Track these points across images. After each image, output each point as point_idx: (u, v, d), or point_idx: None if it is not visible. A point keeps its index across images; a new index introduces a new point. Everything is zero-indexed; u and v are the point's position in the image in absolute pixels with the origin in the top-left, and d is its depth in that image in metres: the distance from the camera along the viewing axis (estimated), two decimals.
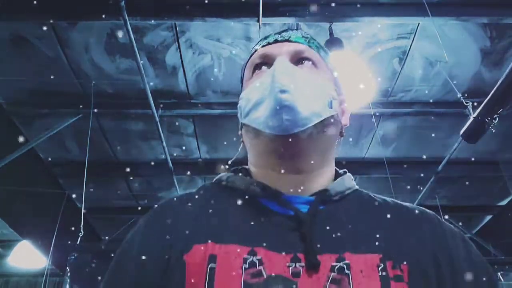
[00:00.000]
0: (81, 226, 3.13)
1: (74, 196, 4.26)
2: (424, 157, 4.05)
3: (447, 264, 0.68)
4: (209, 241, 0.65)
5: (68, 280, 3.26)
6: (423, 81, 3.30)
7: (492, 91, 2.23)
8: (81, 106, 3.36)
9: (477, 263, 0.71)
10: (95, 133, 3.66)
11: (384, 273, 0.63)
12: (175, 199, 0.78)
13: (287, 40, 0.81)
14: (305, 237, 0.65)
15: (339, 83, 0.86)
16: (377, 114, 3.53)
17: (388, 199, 0.79)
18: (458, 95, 2.65)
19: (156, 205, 0.78)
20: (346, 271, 0.63)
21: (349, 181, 0.79)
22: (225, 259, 0.63)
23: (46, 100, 3.38)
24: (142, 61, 2.92)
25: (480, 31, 2.90)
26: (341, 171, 0.83)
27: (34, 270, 5.46)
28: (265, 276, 0.62)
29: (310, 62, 0.80)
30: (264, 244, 0.65)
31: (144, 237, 0.71)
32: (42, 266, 4.73)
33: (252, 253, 0.64)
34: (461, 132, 2.46)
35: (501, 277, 4.19)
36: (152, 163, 4.11)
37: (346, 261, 0.63)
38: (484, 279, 0.69)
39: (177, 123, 3.72)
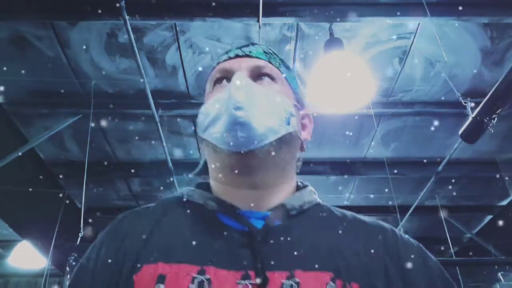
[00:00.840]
0: (81, 226, 3.14)
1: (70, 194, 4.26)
2: (424, 157, 4.05)
3: (399, 278, 0.68)
4: (159, 261, 0.65)
5: (68, 281, 3.26)
6: (423, 81, 3.30)
7: (491, 91, 2.23)
8: (81, 106, 3.36)
9: (432, 274, 0.70)
10: (95, 133, 3.66)
11: None
12: (133, 213, 0.79)
13: (248, 55, 0.82)
14: (256, 254, 0.65)
15: (302, 98, 0.86)
16: (377, 114, 3.53)
17: (348, 213, 0.79)
18: (457, 95, 2.65)
19: (114, 220, 0.78)
20: None
21: (308, 195, 0.79)
22: (173, 279, 0.63)
23: (46, 100, 3.38)
24: (141, 61, 2.92)
25: (480, 31, 2.90)
26: (302, 184, 0.83)
27: (34, 271, 5.45)
28: None
29: (269, 78, 0.80)
30: (215, 262, 0.65)
31: (98, 255, 0.72)
32: (42, 266, 4.72)
33: (201, 272, 0.64)
34: (460, 132, 2.46)
35: (501, 278, 4.19)
36: (152, 163, 4.11)
37: (296, 279, 0.63)
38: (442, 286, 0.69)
39: (177, 123, 3.72)
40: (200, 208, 0.75)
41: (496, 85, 2.22)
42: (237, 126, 0.70)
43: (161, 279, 0.63)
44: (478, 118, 2.28)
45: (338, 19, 2.72)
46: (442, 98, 3.45)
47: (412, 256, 0.71)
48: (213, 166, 0.79)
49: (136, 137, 3.85)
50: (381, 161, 3.76)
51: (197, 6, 2.66)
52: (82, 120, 3.41)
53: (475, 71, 3.19)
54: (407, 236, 0.77)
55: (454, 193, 4.63)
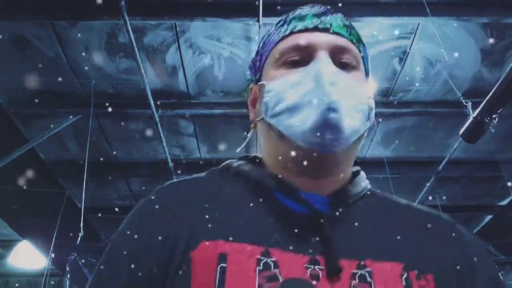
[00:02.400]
0: (81, 226, 3.13)
1: (72, 193, 4.26)
2: (424, 157, 4.05)
3: (469, 276, 0.65)
4: (219, 238, 0.59)
5: (68, 280, 3.26)
6: (423, 81, 3.29)
7: (492, 91, 2.23)
8: (81, 106, 3.36)
9: (493, 276, 0.68)
10: (95, 133, 3.65)
11: (407, 284, 0.59)
12: (180, 183, 0.71)
13: (327, 30, 0.71)
14: (326, 239, 0.61)
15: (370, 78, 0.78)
16: (377, 114, 3.52)
17: (403, 201, 0.76)
18: (458, 95, 2.65)
19: (156, 188, 0.70)
20: (369, 279, 0.59)
21: (364, 181, 0.75)
22: (236, 259, 0.58)
23: (46, 100, 3.38)
24: (141, 61, 2.91)
25: (480, 31, 2.90)
26: (354, 168, 0.77)
27: (34, 270, 5.46)
28: (280, 280, 0.57)
29: (352, 66, 0.72)
30: (279, 244, 0.60)
31: (142, 227, 0.64)
32: (42, 266, 4.73)
33: (266, 254, 0.59)
34: (461, 132, 2.46)
35: (501, 277, 4.19)
36: (152, 163, 4.11)
37: (368, 269, 0.59)
38: None
39: (177, 123, 3.71)
40: (254, 184, 0.69)
41: (497, 84, 2.22)
42: (327, 129, 0.63)
43: (222, 258, 0.58)
44: (479, 118, 2.28)
45: None
46: (442, 98, 3.45)
47: (478, 255, 0.68)
48: (276, 151, 0.70)
49: (136, 137, 3.85)
50: (381, 161, 3.76)
51: (197, 6, 2.66)
52: (82, 120, 3.41)
53: (475, 71, 3.19)
54: (469, 231, 0.74)
55: (454, 193, 4.63)
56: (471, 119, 2.34)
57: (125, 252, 0.62)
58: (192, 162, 4.16)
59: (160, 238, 0.61)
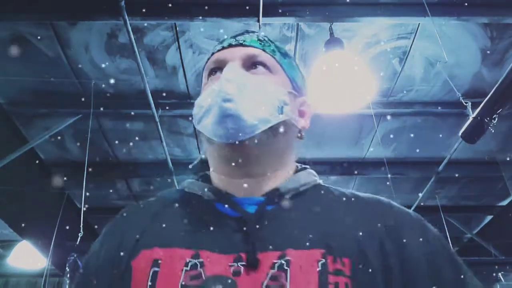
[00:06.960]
0: (81, 226, 3.13)
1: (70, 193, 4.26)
2: (424, 157, 4.04)
3: (395, 254, 0.67)
4: (155, 247, 0.68)
5: (68, 281, 3.26)
6: (423, 81, 3.29)
7: (492, 91, 2.23)
8: (81, 106, 3.36)
9: (433, 249, 0.70)
10: (95, 133, 3.65)
11: (323, 268, 0.63)
12: (133, 207, 0.82)
13: (241, 44, 0.81)
14: (248, 237, 0.67)
15: (300, 86, 0.86)
16: (377, 114, 3.52)
17: (347, 191, 0.80)
18: (457, 95, 2.65)
19: (117, 215, 0.82)
20: (285, 267, 0.63)
21: (306, 177, 0.79)
22: (168, 263, 0.66)
23: (46, 100, 3.38)
24: (141, 61, 2.91)
25: (480, 31, 2.90)
26: (301, 167, 0.83)
27: (34, 271, 5.46)
28: (203, 277, 0.63)
29: (263, 67, 0.80)
30: (209, 247, 0.67)
31: (101, 247, 0.76)
32: (42, 267, 4.72)
33: (195, 256, 0.66)
34: (460, 132, 2.46)
35: (501, 278, 4.19)
36: (152, 163, 4.11)
37: (287, 258, 0.64)
38: (443, 262, 0.69)
39: (177, 123, 3.71)
40: (198, 198, 0.77)
41: (497, 85, 2.22)
42: (226, 118, 0.72)
43: (156, 263, 0.66)
44: (478, 118, 2.28)
45: (338, 19, 2.72)
46: (442, 98, 3.45)
47: (411, 230, 0.71)
48: (209, 157, 0.82)
49: (136, 137, 3.85)
50: (381, 161, 3.75)
51: (197, 6, 2.66)
52: (82, 120, 3.41)
53: (475, 71, 3.19)
54: (406, 209, 0.77)
55: (454, 193, 4.63)
56: (470, 119, 2.34)
57: (91, 268, 0.75)
58: (192, 162, 4.16)
59: (111, 256, 0.72)
